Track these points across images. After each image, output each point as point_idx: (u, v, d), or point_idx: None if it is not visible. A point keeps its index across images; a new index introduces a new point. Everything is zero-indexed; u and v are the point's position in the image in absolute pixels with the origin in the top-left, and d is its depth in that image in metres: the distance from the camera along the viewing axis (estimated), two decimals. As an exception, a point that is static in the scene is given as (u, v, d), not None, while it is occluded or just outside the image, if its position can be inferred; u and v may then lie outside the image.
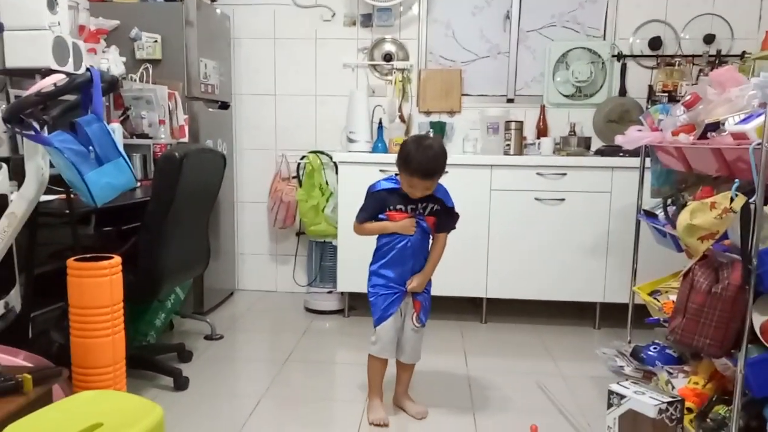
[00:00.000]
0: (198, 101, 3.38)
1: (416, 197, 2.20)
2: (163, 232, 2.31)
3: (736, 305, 1.64)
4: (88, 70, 1.65)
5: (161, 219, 2.28)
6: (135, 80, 3.14)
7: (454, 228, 2.33)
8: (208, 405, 2.43)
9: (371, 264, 2.35)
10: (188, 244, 2.59)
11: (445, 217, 2.29)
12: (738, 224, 1.68)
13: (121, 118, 3.04)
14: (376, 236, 2.33)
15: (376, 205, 2.31)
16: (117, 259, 1.88)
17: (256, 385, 2.64)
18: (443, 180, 2.24)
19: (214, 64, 3.52)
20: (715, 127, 1.94)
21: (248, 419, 2.31)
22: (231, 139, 3.90)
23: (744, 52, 3.65)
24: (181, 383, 2.55)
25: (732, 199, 1.67)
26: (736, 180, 1.70)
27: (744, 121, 1.78)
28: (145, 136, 3.04)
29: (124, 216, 2.50)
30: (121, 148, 1.72)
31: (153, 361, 2.68)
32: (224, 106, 3.76)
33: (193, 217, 2.58)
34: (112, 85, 1.76)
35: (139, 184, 2.74)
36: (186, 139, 3.20)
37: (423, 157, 2.12)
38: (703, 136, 2.03)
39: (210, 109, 3.54)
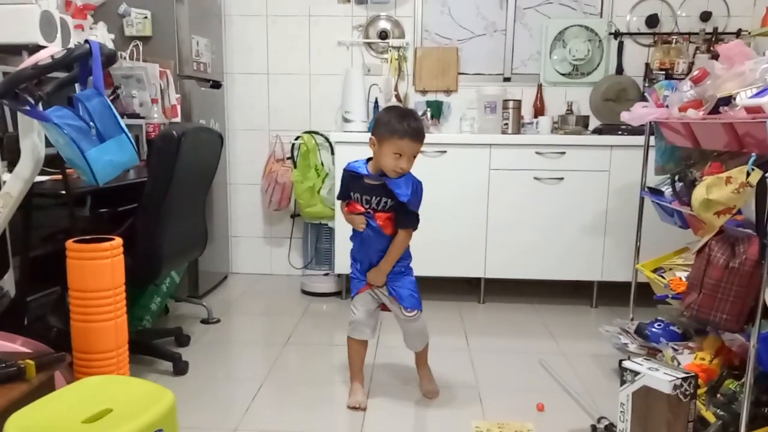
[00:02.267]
0: (190, 80, 3.29)
1: (398, 173, 2.07)
2: (161, 214, 2.25)
3: (753, 280, 1.63)
4: (86, 42, 1.58)
5: (159, 200, 2.21)
6: (125, 58, 3.05)
7: (413, 226, 2.19)
8: (209, 389, 2.39)
9: None
10: (186, 225, 2.53)
11: (402, 213, 2.14)
12: (752, 199, 1.67)
13: (111, 97, 2.95)
14: None
15: (342, 184, 2.27)
16: (118, 241, 1.83)
17: (257, 368, 2.60)
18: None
19: (206, 42, 3.43)
20: (728, 101, 1.92)
21: (251, 403, 2.27)
22: (223, 119, 3.82)
23: (740, 30, 3.64)
24: (180, 368, 2.50)
25: (748, 174, 1.65)
26: (753, 154, 1.68)
27: (758, 94, 1.75)
28: (137, 116, 2.96)
29: (117, 197, 2.44)
30: (122, 124, 1.65)
31: (151, 345, 2.63)
32: (216, 85, 3.68)
33: (191, 198, 2.52)
34: (110, 59, 1.68)
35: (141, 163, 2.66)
36: (178, 119, 3.13)
37: (410, 118, 2.07)
38: (713, 111, 2.00)
39: (202, 88, 3.45)
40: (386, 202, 2.15)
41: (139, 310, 2.86)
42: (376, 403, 2.28)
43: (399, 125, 2.05)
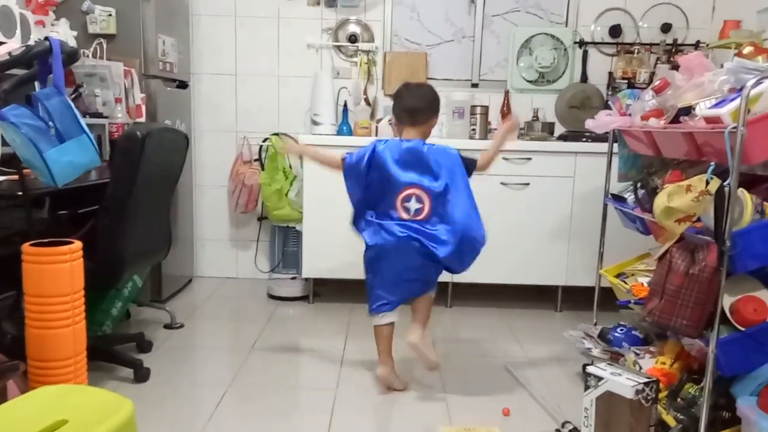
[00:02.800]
0: (156, 79, 3.23)
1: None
2: (124, 216, 2.20)
3: (712, 286, 1.67)
4: (46, 39, 1.53)
5: (122, 201, 2.16)
6: (88, 56, 2.97)
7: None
8: (172, 397, 2.34)
9: None
10: (150, 228, 2.48)
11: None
12: (711, 207, 1.71)
13: (73, 95, 2.87)
14: None
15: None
16: (77, 244, 1.78)
17: (221, 374, 2.56)
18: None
19: (173, 41, 3.38)
20: (688, 111, 1.96)
21: (215, 410, 2.24)
22: (190, 119, 3.76)
23: (699, 42, 3.73)
24: (141, 374, 2.44)
25: (707, 182, 1.69)
26: (712, 163, 1.72)
27: (717, 105, 1.79)
28: (100, 116, 2.89)
29: (78, 199, 2.37)
30: (83, 124, 1.61)
31: (111, 351, 2.56)
32: (183, 85, 3.62)
33: (155, 200, 2.47)
34: (72, 57, 1.64)
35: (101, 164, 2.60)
36: (143, 119, 3.06)
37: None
38: (674, 120, 2.05)
39: (168, 88, 3.39)
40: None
41: (99, 315, 2.79)
42: (341, 410, 2.27)
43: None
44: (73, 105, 1.61)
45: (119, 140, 2.23)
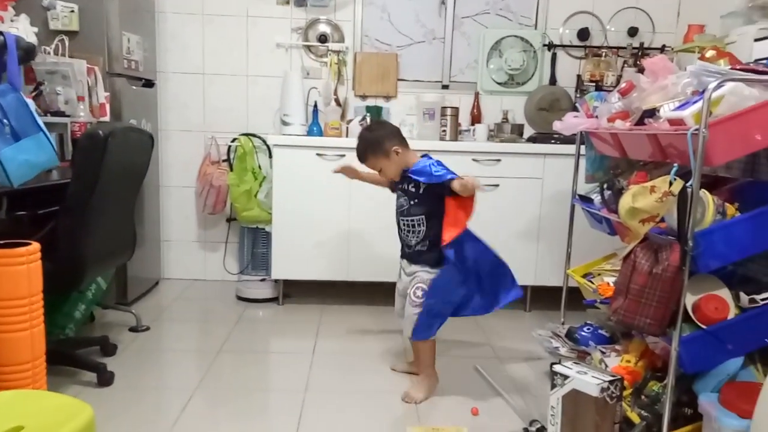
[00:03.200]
0: (120, 78, 3.17)
1: (389, 180, 2.46)
2: (86, 217, 2.15)
3: (674, 285, 1.69)
4: (1, 34, 1.49)
5: (84, 202, 2.11)
6: (49, 53, 2.90)
7: (451, 178, 2.28)
8: (136, 401, 2.29)
9: None
10: (113, 229, 2.43)
11: (439, 188, 2.29)
12: (674, 207, 1.74)
13: (33, 93, 2.79)
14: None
15: None
16: (35, 246, 1.73)
17: (188, 377, 2.52)
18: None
19: (138, 39, 3.32)
20: (652, 113, 1.99)
21: (181, 414, 2.20)
22: (156, 119, 3.69)
23: (664, 46, 3.80)
24: (105, 378, 2.39)
25: (671, 183, 1.71)
26: (675, 164, 1.74)
27: (680, 107, 1.82)
28: (62, 114, 2.82)
29: (38, 199, 2.31)
30: (40, 123, 1.56)
31: (73, 355, 2.51)
32: (149, 84, 3.56)
33: (119, 200, 2.42)
34: (29, 53, 1.60)
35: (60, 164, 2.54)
36: (107, 118, 3.00)
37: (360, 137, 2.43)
38: (639, 122, 2.08)
39: (133, 87, 3.33)
40: (417, 184, 2.35)
41: (61, 318, 2.72)
42: (310, 412, 2.25)
43: None
44: (29, 102, 1.56)
45: (81, 139, 2.18)
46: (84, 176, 2.11)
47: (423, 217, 2.34)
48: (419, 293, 2.36)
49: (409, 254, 2.41)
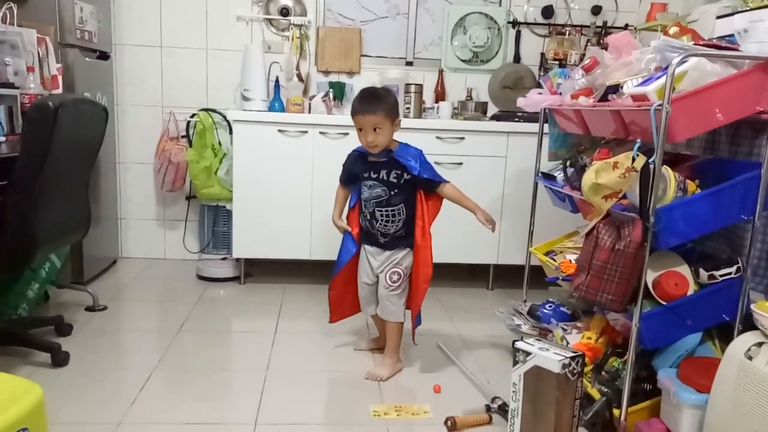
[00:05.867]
0: (73, 49, 3.04)
1: (374, 150, 2.27)
2: (35, 192, 2.05)
3: (636, 262, 1.71)
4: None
5: (33, 177, 2.02)
6: (-5, 21, 2.75)
7: (439, 181, 2.35)
8: (92, 381, 2.23)
9: None
10: (66, 205, 2.34)
11: (422, 183, 2.31)
12: (636, 184, 1.75)
13: (-21, 63, 2.67)
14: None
15: (345, 168, 2.44)
16: (-20, 221, 1.64)
17: (147, 357, 2.46)
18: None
19: (92, 9, 3.18)
20: (615, 89, 2.00)
21: (139, 394, 2.14)
22: (112, 93, 3.57)
23: (627, 25, 3.82)
24: (60, 359, 2.31)
25: (633, 159, 1.72)
26: (638, 140, 1.75)
27: (644, 83, 1.83)
28: (11, 86, 2.68)
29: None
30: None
31: (26, 335, 2.43)
32: (104, 56, 3.43)
33: (71, 175, 2.33)
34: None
35: (4, 138, 2.42)
36: (60, 91, 2.88)
37: (365, 94, 2.27)
38: (603, 98, 2.08)
39: (87, 59, 3.20)
40: (398, 174, 2.29)
41: (13, 297, 2.63)
42: (271, 391, 2.22)
43: (354, 105, 2.25)
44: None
45: (29, 111, 2.08)
46: (33, 149, 2.02)
47: (402, 205, 2.31)
48: (395, 277, 2.36)
49: (384, 243, 2.36)
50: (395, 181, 2.29)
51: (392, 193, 2.29)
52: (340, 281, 2.48)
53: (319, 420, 2.06)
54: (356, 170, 2.37)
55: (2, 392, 1.27)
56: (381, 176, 2.30)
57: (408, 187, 2.30)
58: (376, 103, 2.22)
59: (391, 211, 2.31)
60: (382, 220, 2.33)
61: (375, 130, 2.22)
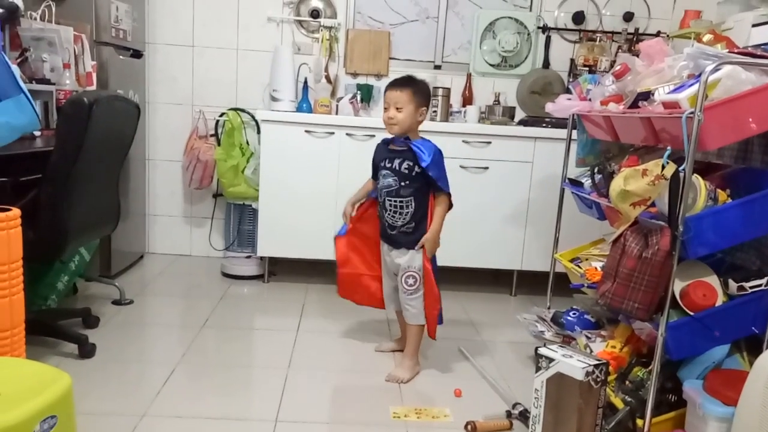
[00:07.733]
0: (108, 47, 3.10)
1: (392, 130, 2.29)
2: (68, 185, 2.10)
3: (664, 270, 1.68)
4: (-19, -9, 1.43)
5: (67, 170, 2.07)
6: (35, 18, 2.82)
7: (445, 191, 2.31)
8: (117, 373, 2.26)
9: None
10: (97, 199, 2.38)
11: (432, 180, 2.27)
12: (665, 191, 1.72)
13: (19, 59, 2.73)
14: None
15: (372, 160, 2.45)
16: (15, 212, 1.69)
17: (170, 351, 2.49)
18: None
19: (127, 8, 3.24)
20: (647, 96, 1.97)
21: (162, 387, 2.17)
22: (144, 90, 3.63)
23: (659, 32, 3.77)
24: (86, 350, 2.36)
25: (663, 167, 1.70)
26: (668, 148, 1.73)
27: (676, 90, 1.80)
28: (47, 82, 2.75)
29: (21, 166, 2.26)
30: (22, 84, 1.51)
31: (55, 326, 2.47)
32: (137, 54, 3.49)
33: (103, 170, 2.38)
34: (12, 13, 1.54)
35: (39, 133, 2.48)
36: (94, 88, 2.93)
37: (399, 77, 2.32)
38: (633, 105, 2.06)
39: (121, 57, 3.26)
40: (410, 166, 2.28)
41: (43, 288, 2.68)
42: (292, 390, 2.24)
43: (388, 84, 2.31)
44: (10, 63, 1.51)
45: (64, 106, 2.12)
46: (67, 144, 2.06)
47: (411, 198, 2.30)
48: (411, 281, 2.36)
49: (391, 236, 2.36)
50: (406, 172, 2.29)
51: (402, 184, 2.29)
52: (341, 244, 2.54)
53: (339, 419, 2.07)
54: (377, 158, 2.40)
55: (32, 380, 1.30)
56: (394, 166, 2.31)
57: (419, 180, 2.28)
58: (407, 83, 2.27)
59: (399, 202, 2.31)
60: (390, 210, 2.33)
61: (397, 109, 2.24)
